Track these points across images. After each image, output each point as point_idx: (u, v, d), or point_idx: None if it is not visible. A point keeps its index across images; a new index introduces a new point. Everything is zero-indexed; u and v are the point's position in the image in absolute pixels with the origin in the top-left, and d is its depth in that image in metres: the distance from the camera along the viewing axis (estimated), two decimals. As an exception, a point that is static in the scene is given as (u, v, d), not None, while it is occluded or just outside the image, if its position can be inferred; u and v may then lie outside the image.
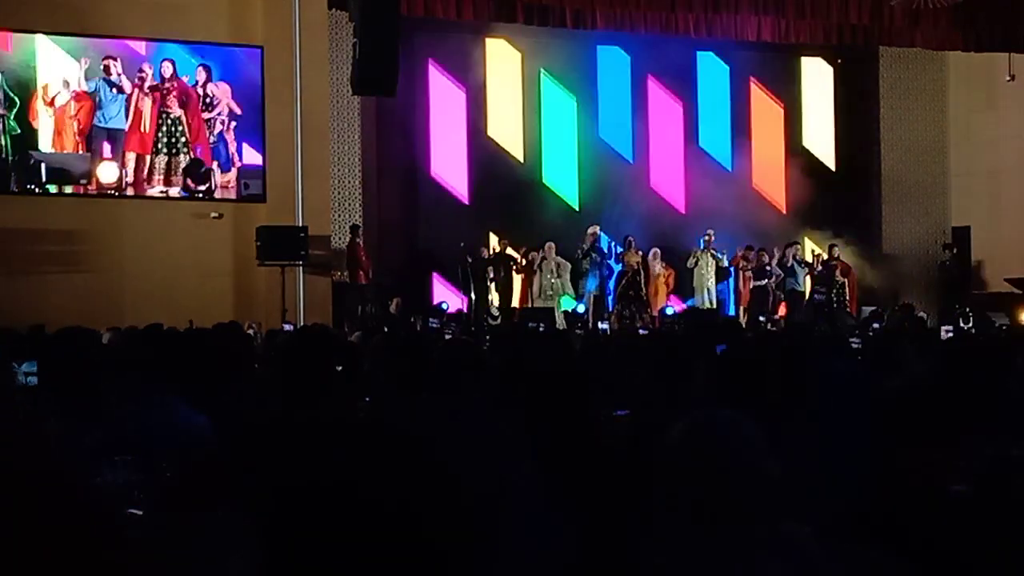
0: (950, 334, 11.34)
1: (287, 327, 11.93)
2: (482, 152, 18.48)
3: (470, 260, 17.18)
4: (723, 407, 2.63)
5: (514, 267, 17.52)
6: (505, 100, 18.64)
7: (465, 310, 17.01)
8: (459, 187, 18.40)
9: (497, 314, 17.01)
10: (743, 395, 3.68)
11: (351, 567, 1.41)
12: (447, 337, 9.89)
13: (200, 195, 15.18)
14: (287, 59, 15.32)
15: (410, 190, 18.25)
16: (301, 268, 15.21)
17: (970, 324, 15.40)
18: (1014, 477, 2.86)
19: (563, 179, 18.92)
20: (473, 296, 17.01)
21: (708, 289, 18.00)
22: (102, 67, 14.74)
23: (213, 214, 15.31)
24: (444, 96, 18.31)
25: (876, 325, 15.72)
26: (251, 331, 11.30)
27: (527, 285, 17.63)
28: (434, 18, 16.05)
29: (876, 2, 17.15)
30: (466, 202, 18.40)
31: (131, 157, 14.92)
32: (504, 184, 18.21)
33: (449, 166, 18.39)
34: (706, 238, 18.21)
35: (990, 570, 2.73)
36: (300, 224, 15.23)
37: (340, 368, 4.88)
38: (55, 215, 14.57)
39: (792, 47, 18.69)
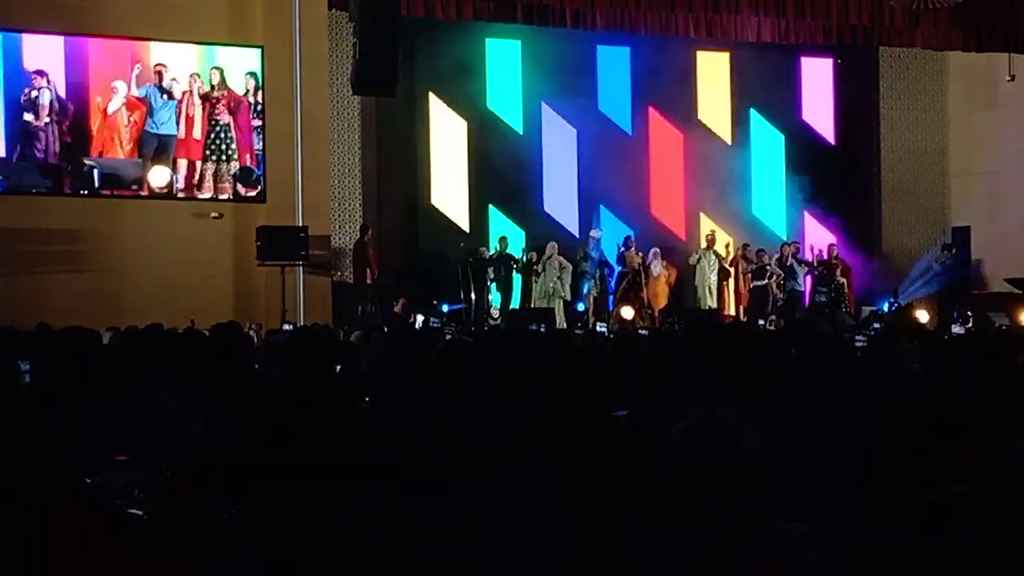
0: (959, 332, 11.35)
1: (287, 327, 11.94)
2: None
3: (470, 260, 17.20)
4: (722, 407, 2.63)
5: (515, 267, 17.52)
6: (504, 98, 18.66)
7: (465, 310, 17.02)
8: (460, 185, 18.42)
9: (497, 314, 17.01)
10: (742, 395, 3.68)
11: (351, 567, 1.41)
12: (447, 337, 9.88)
13: (250, 200, 15.37)
14: (287, 59, 15.32)
15: (410, 189, 18.24)
16: (301, 268, 15.22)
17: (969, 324, 15.42)
18: (1014, 477, 2.86)
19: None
20: (473, 296, 17.02)
21: (710, 288, 18.01)
22: (154, 73, 14.92)
23: (213, 214, 15.32)
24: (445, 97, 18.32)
25: (876, 325, 15.73)
26: (252, 332, 11.29)
27: (528, 285, 17.66)
28: (434, 18, 16.05)
29: (876, 2, 17.14)
30: (467, 200, 18.42)
31: (182, 163, 15.13)
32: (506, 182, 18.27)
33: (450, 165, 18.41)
34: (708, 237, 18.23)
35: (990, 570, 2.73)
36: (300, 224, 15.24)
37: (340, 368, 4.88)
38: (55, 215, 14.58)
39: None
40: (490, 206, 18.46)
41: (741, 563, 2.15)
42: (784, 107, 20.11)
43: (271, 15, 15.36)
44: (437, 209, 18.27)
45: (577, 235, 18.20)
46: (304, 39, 15.39)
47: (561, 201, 18.79)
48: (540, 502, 3.20)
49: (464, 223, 18.32)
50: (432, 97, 18.21)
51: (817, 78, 20.30)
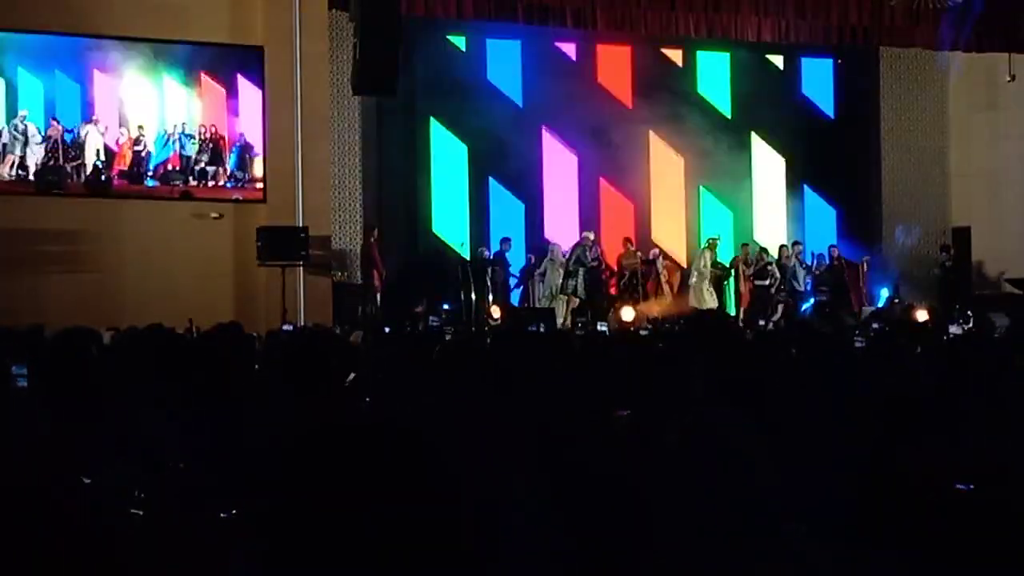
0: (955, 335, 11.31)
1: (286, 327, 11.92)
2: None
3: (470, 260, 17.21)
4: (723, 407, 2.64)
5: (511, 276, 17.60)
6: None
7: (465, 310, 17.03)
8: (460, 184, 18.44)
9: (497, 314, 17.02)
10: (743, 395, 3.68)
11: (352, 567, 1.41)
12: (447, 337, 9.88)
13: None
14: (287, 59, 15.32)
15: (411, 190, 18.26)
16: (301, 268, 15.21)
17: (969, 324, 15.40)
18: (1014, 477, 2.87)
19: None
20: (474, 296, 17.03)
21: (709, 289, 17.99)
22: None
23: (213, 214, 15.32)
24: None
25: (876, 325, 15.72)
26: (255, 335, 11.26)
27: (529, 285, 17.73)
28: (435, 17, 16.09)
29: (876, 2, 17.16)
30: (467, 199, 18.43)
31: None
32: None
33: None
34: (711, 241, 18.19)
35: (990, 570, 2.73)
36: (300, 224, 15.24)
37: (342, 369, 4.88)
38: (55, 215, 14.58)
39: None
40: (491, 206, 18.48)
41: (741, 565, 2.15)
42: (784, 107, 20.15)
43: (271, 15, 15.36)
44: (438, 209, 18.31)
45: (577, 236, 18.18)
46: (304, 39, 15.38)
47: (561, 200, 18.81)
48: (540, 502, 3.20)
49: (464, 223, 18.34)
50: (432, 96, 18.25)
51: (817, 78, 20.32)
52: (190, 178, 15.26)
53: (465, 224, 18.35)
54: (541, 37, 17.75)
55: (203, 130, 15.35)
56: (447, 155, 18.36)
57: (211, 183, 15.35)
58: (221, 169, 15.35)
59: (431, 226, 18.23)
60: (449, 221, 18.29)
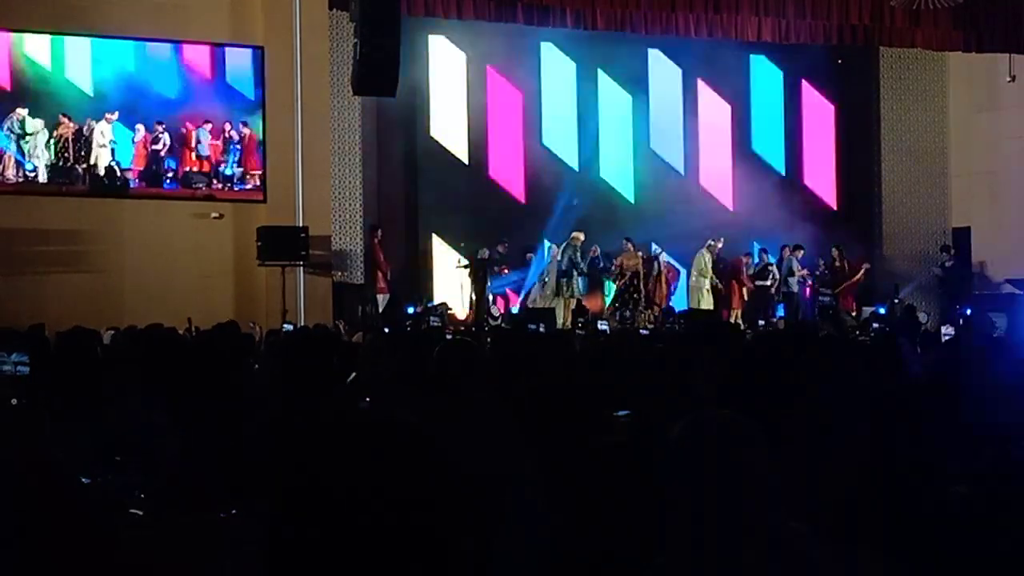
0: (949, 336, 11.31)
1: (287, 327, 11.93)
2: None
3: (470, 260, 17.21)
4: (723, 407, 2.64)
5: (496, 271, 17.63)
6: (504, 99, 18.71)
7: (465, 310, 17.05)
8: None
9: (497, 314, 17.02)
10: (743, 395, 3.68)
11: (353, 563, 1.41)
12: (447, 337, 9.88)
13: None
14: (287, 59, 15.33)
15: (410, 190, 18.25)
16: (301, 268, 15.22)
17: (970, 325, 15.41)
18: (1014, 477, 2.87)
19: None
20: (474, 296, 17.03)
21: (708, 289, 17.98)
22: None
23: (213, 214, 15.32)
24: (447, 94, 18.35)
25: (876, 325, 15.74)
26: (256, 328, 11.28)
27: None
28: (435, 18, 16.10)
29: (876, 2, 17.15)
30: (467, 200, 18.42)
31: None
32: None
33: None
34: (712, 244, 18.14)
35: (990, 570, 2.73)
36: (300, 224, 15.24)
37: (342, 369, 4.88)
38: (55, 215, 14.58)
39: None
40: (491, 207, 18.49)
41: (741, 564, 2.15)
42: (784, 107, 20.19)
43: (271, 15, 15.37)
44: (437, 209, 18.30)
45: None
46: (304, 39, 15.40)
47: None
48: (541, 502, 3.20)
49: (464, 224, 18.34)
50: (433, 96, 18.25)
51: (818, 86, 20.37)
52: (214, 180, 15.18)
53: (465, 225, 18.34)
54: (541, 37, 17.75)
55: (227, 130, 15.26)
56: (447, 153, 18.38)
57: (237, 187, 15.27)
58: (248, 172, 15.28)
59: (431, 226, 18.21)
60: (448, 221, 18.27)
